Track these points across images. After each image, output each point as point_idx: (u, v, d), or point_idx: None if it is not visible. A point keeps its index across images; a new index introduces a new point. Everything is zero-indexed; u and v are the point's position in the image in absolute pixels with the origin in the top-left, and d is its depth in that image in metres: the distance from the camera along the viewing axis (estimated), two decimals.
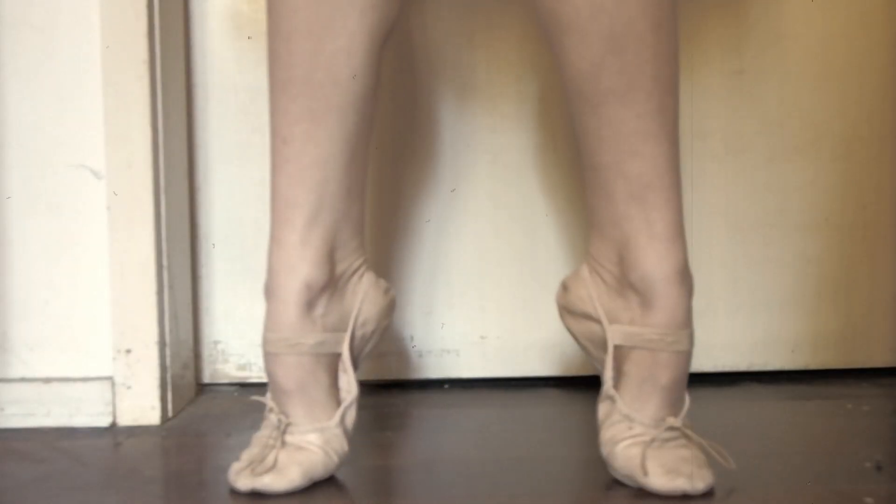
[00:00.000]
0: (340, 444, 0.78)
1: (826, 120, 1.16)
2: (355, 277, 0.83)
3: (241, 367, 1.14)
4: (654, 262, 0.77)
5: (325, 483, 0.77)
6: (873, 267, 1.18)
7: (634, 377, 0.77)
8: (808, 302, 1.17)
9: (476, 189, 1.13)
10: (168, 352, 1.00)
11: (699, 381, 1.15)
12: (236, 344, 1.14)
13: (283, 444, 0.76)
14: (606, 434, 0.77)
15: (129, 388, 0.98)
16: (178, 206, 1.05)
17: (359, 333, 0.82)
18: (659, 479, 0.73)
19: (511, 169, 1.13)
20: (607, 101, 0.74)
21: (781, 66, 1.15)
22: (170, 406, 1.00)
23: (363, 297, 0.83)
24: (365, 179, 0.83)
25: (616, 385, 0.78)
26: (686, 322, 0.79)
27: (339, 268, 0.81)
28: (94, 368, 1.00)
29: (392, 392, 1.10)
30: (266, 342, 0.78)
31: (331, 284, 0.80)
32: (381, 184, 1.13)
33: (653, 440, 0.75)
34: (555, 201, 1.14)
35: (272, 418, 0.78)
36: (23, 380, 0.98)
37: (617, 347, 0.78)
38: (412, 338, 1.14)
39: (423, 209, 1.14)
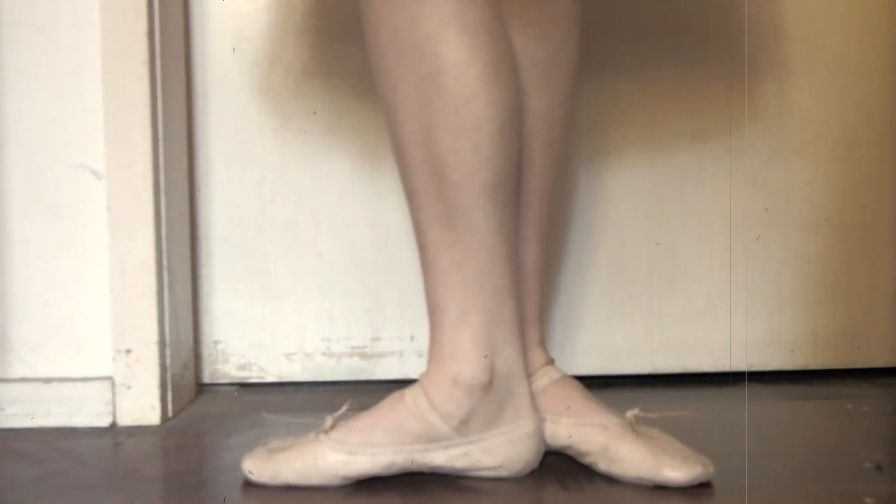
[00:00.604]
0: (334, 470, 0.77)
1: (826, 120, 1.16)
2: (519, 392, 0.79)
3: (241, 367, 1.14)
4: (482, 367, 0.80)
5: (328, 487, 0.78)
6: (873, 267, 1.18)
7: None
8: (808, 302, 1.17)
9: None
10: (168, 352, 1.00)
11: (699, 381, 1.15)
12: (236, 344, 1.14)
13: (299, 442, 0.78)
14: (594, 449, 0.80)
15: (129, 388, 0.98)
16: (178, 206, 1.05)
17: (474, 454, 0.78)
18: (680, 472, 0.76)
19: None
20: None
21: (782, 66, 1.15)
22: (170, 406, 1.00)
23: (506, 431, 0.78)
24: (516, 278, 0.80)
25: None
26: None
27: (499, 368, 0.78)
28: (94, 368, 1.00)
29: (393, 392, 1.10)
30: (415, 392, 0.79)
31: (489, 385, 0.77)
32: (381, 183, 1.13)
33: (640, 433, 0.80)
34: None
35: (326, 421, 0.78)
36: (23, 380, 0.98)
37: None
38: (412, 338, 1.14)
39: None
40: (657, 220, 1.15)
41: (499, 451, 0.78)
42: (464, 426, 0.77)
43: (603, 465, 0.78)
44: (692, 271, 1.16)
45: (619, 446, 0.77)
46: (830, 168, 1.16)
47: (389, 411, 0.78)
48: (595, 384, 1.14)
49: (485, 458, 0.78)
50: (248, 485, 0.77)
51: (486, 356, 0.76)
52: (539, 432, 0.79)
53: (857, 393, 1.09)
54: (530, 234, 0.83)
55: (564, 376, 0.84)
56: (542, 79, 0.80)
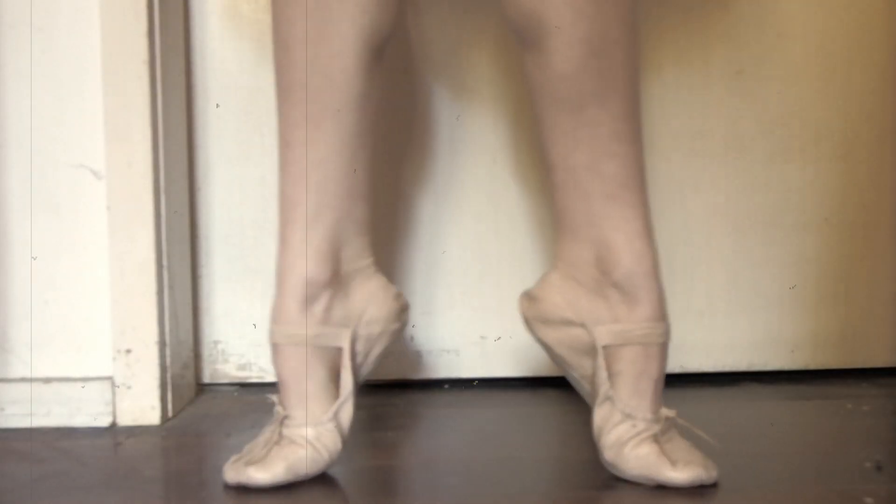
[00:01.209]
0: (333, 441, 0.78)
1: (826, 120, 1.16)
2: (361, 277, 0.83)
3: (241, 367, 1.14)
4: (635, 259, 0.79)
5: (325, 482, 0.78)
6: (873, 267, 1.18)
7: (629, 374, 0.77)
8: (808, 302, 1.17)
9: (476, 189, 1.13)
10: (168, 352, 1.00)
11: (699, 381, 1.15)
12: (236, 344, 1.14)
13: (280, 437, 0.77)
14: (610, 438, 0.77)
15: (129, 388, 0.98)
16: (178, 206, 1.05)
17: (363, 332, 0.83)
18: (682, 473, 0.74)
19: (511, 169, 1.13)
20: (587, 103, 0.76)
21: (781, 66, 1.15)
22: (170, 406, 1.00)
23: (370, 297, 0.84)
24: (369, 181, 0.83)
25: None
26: (665, 315, 0.80)
27: (345, 266, 0.82)
28: (94, 368, 1.00)
29: (392, 392, 1.10)
30: (269, 333, 0.81)
31: (334, 282, 0.80)
32: (381, 184, 1.13)
33: (658, 434, 0.76)
34: None
35: (275, 411, 0.79)
36: (23, 380, 0.98)
37: (605, 348, 0.78)
38: (412, 338, 1.14)
39: (422, 209, 1.14)
40: (657, 220, 1.15)
41: (375, 315, 0.83)
42: (329, 316, 0.80)
43: (608, 455, 0.77)
44: (692, 271, 1.16)
45: (637, 447, 0.76)
46: (830, 168, 1.16)
47: (288, 363, 0.80)
48: None
49: (374, 329, 0.83)
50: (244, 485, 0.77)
51: (332, 252, 0.81)
52: (390, 287, 0.86)
53: (857, 393, 1.09)
54: (631, 133, 0.80)
55: (661, 347, 0.79)
56: None
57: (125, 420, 0.98)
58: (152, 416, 0.98)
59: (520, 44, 0.78)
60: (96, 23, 0.97)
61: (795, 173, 1.16)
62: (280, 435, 0.77)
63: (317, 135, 0.79)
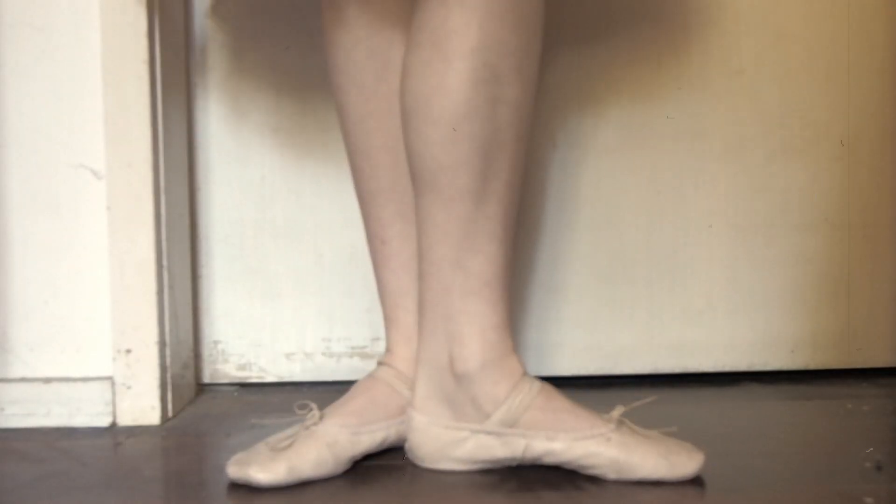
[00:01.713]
0: (344, 450, 0.80)
1: (826, 120, 1.16)
2: None
3: (241, 367, 1.14)
4: (486, 347, 0.80)
5: (325, 482, 0.78)
6: (873, 267, 1.18)
7: (546, 423, 0.79)
8: (808, 302, 1.17)
9: None
10: (168, 352, 1.00)
11: (699, 381, 1.15)
12: (236, 344, 1.14)
13: (294, 437, 0.79)
14: (605, 458, 0.78)
15: (129, 388, 0.98)
16: (178, 206, 1.05)
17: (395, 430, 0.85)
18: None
19: None
20: (462, 198, 0.77)
21: (781, 66, 1.15)
22: (170, 406, 1.00)
23: None
24: None
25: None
26: (506, 394, 0.80)
27: None
28: (94, 368, 1.00)
29: None
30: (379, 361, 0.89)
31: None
32: None
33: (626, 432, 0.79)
34: (555, 201, 1.14)
35: (309, 415, 0.81)
36: (23, 380, 0.98)
37: (512, 429, 0.79)
38: None
39: None
40: (657, 220, 1.15)
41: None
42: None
43: (613, 475, 0.77)
44: (692, 271, 1.16)
45: (630, 456, 0.76)
46: (830, 168, 1.16)
47: (370, 392, 0.84)
48: (595, 384, 1.14)
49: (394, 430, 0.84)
50: (243, 485, 0.77)
51: None
52: None
53: (857, 393, 1.09)
54: (503, 234, 0.81)
55: (544, 384, 0.81)
56: (516, 67, 0.77)
57: (125, 420, 0.98)
58: (152, 416, 0.98)
59: (404, 126, 0.79)
60: (96, 23, 0.97)
61: (795, 173, 1.16)
62: (298, 435, 0.79)
63: (412, 230, 0.86)
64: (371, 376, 0.87)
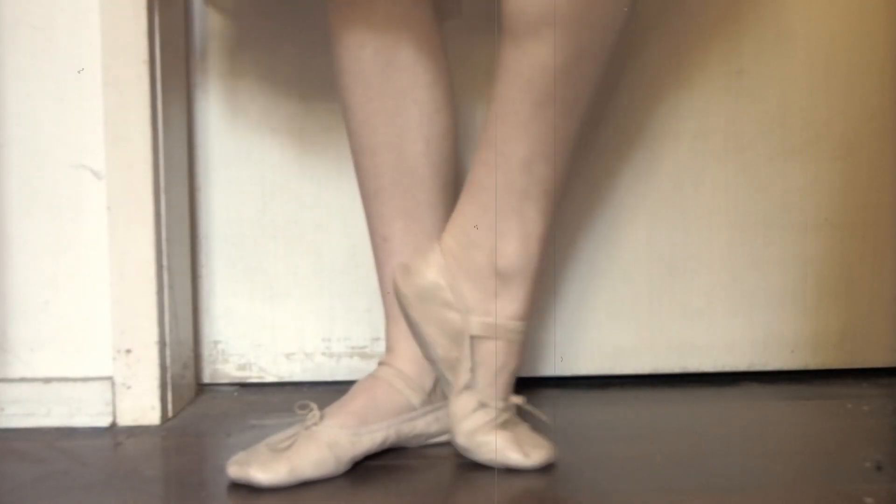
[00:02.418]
0: (345, 452, 0.80)
1: (826, 120, 1.16)
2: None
3: (241, 367, 1.14)
4: (525, 256, 0.82)
5: (326, 482, 0.78)
6: (873, 267, 1.18)
7: (490, 366, 0.82)
8: (808, 302, 1.17)
9: None
10: (168, 352, 1.00)
11: (699, 381, 1.15)
12: (236, 344, 1.14)
13: (295, 437, 0.79)
14: (465, 424, 0.81)
15: (129, 388, 0.98)
16: (178, 206, 1.05)
17: (421, 426, 0.87)
18: (530, 458, 0.80)
19: None
20: (552, 102, 0.78)
21: (781, 66, 1.15)
22: (170, 406, 1.00)
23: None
24: None
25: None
26: (529, 315, 0.85)
27: None
28: (94, 368, 1.00)
29: None
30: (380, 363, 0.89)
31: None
32: None
33: (505, 421, 0.82)
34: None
35: (310, 415, 0.81)
36: (23, 380, 0.98)
37: (473, 338, 0.82)
38: None
39: None
40: (657, 220, 1.15)
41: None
42: (430, 396, 0.87)
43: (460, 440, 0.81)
44: (692, 271, 1.16)
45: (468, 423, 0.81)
46: (830, 168, 1.16)
47: (371, 392, 0.85)
48: (595, 384, 1.14)
49: (447, 422, 0.85)
50: (241, 485, 0.77)
51: None
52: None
53: (857, 393, 1.09)
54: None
55: None
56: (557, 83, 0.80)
57: (125, 420, 0.98)
58: (152, 416, 0.98)
59: (511, 34, 0.77)
60: (96, 23, 0.97)
61: (795, 173, 1.16)
62: (298, 435, 0.80)
63: (414, 227, 0.88)
64: (372, 376, 0.87)
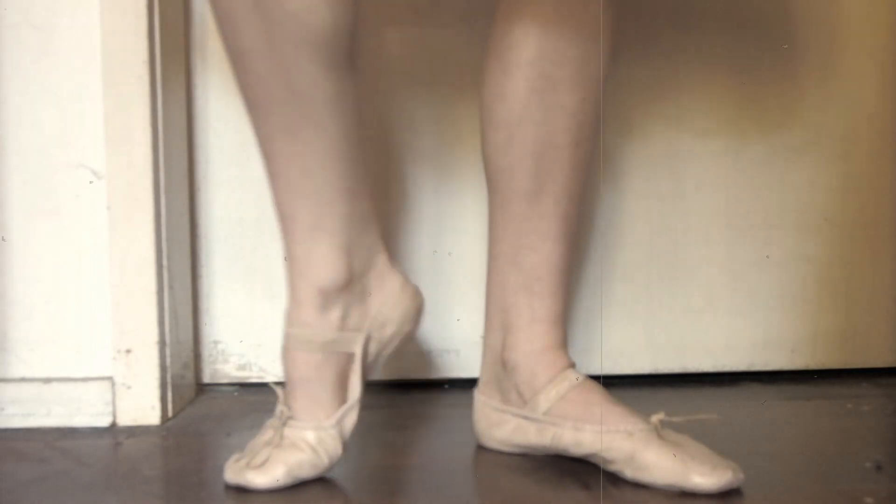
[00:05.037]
0: (334, 447, 0.78)
1: (826, 120, 1.16)
2: (377, 275, 0.83)
3: (241, 367, 1.14)
4: (532, 337, 0.85)
5: (325, 482, 0.78)
6: (873, 267, 1.18)
7: (575, 415, 0.82)
8: (808, 302, 1.17)
9: (478, 189, 1.13)
10: (168, 352, 1.00)
11: (699, 380, 1.15)
12: (236, 344, 1.14)
13: (282, 438, 0.77)
14: (622, 453, 0.79)
15: (129, 388, 0.98)
16: (178, 206, 1.05)
17: (376, 335, 0.83)
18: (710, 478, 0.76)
19: None
20: (517, 199, 0.85)
21: (781, 67, 1.15)
22: (170, 406, 1.00)
23: (384, 297, 0.83)
24: (365, 177, 0.81)
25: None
26: (544, 384, 0.85)
27: (357, 266, 0.81)
28: (94, 368, 1.00)
29: (392, 392, 1.10)
30: (283, 337, 0.80)
31: (349, 285, 0.80)
32: (383, 183, 1.13)
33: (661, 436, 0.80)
34: None
35: (277, 410, 0.79)
36: (23, 380, 0.98)
37: (545, 414, 0.83)
38: (413, 338, 1.14)
39: (424, 209, 1.14)
40: (657, 220, 1.15)
41: (389, 316, 0.83)
42: (345, 322, 0.80)
43: (629, 473, 0.77)
44: (692, 271, 1.16)
45: (645, 453, 0.76)
46: (830, 168, 1.16)
47: (299, 368, 0.79)
48: None
49: (386, 331, 0.84)
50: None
51: (342, 258, 0.79)
52: (408, 285, 0.86)
53: (857, 393, 1.09)
54: (557, 232, 0.85)
55: (586, 379, 0.84)
56: (574, 76, 0.82)
57: (125, 420, 0.98)
58: (152, 416, 0.98)
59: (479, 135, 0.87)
60: (96, 23, 0.97)
61: (795, 173, 1.16)
62: (282, 436, 0.77)
63: (297, 145, 0.75)
64: (285, 351, 0.80)
